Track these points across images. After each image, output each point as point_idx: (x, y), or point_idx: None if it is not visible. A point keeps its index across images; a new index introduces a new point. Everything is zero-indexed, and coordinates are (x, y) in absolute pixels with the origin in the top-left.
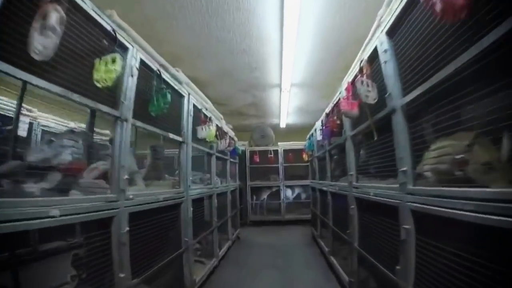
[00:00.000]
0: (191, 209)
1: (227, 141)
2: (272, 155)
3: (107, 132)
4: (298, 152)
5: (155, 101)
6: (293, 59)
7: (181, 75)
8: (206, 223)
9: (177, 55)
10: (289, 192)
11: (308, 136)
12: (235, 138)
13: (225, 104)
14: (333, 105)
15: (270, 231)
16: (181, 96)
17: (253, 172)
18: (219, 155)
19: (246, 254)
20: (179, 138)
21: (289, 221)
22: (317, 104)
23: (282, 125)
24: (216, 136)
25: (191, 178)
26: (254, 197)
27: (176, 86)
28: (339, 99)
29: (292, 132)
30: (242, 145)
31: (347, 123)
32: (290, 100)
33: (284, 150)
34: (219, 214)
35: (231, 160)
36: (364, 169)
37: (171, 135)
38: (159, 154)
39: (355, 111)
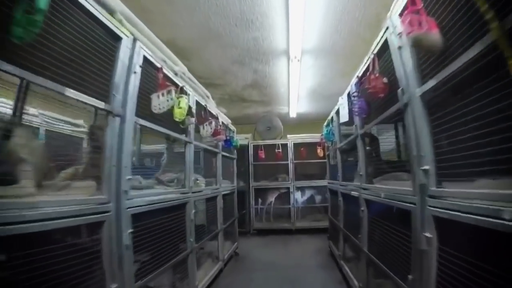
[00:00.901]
0: (128, 232)
1: (213, 126)
2: (281, 150)
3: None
4: (311, 147)
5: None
6: (304, 9)
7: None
8: (174, 247)
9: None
10: (300, 195)
11: (326, 123)
12: (232, 127)
13: (219, 84)
14: (372, 56)
15: (277, 243)
16: (115, 37)
17: (257, 171)
18: (205, 146)
19: (242, 283)
20: (103, 105)
21: (301, 230)
22: (335, 85)
23: (292, 114)
24: (189, 113)
25: (130, 178)
26: (260, 201)
27: (104, 17)
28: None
29: (304, 123)
30: (244, 139)
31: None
32: (301, 77)
33: (294, 144)
34: (200, 229)
35: (225, 154)
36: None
37: (75, 94)
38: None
39: (435, 33)
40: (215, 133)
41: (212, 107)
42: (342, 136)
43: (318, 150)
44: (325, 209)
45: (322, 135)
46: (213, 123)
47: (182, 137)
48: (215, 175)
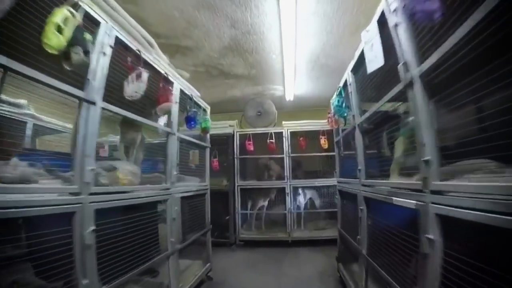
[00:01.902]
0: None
1: (144, 79)
2: (274, 141)
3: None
4: (313, 137)
5: None
6: None
7: None
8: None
9: None
10: (299, 197)
11: (337, 91)
12: (203, 104)
13: (188, 48)
14: None
15: (269, 261)
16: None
17: (244, 167)
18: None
19: None
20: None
21: (299, 242)
22: (345, 49)
23: (289, 96)
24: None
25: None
26: (250, 203)
27: None
28: None
29: (304, 108)
30: (228, 126)
31: None
32: (298, 34)
33: (291, 133)
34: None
35: (189, 139)
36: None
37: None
38: None
39: None
40: (161, 99)
41: (160, 62)
42: (361, 110)
43: (322, 141)
44: (330, 215)
45: (330, 111)
46: (144, 74)
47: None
48: (167, 168)
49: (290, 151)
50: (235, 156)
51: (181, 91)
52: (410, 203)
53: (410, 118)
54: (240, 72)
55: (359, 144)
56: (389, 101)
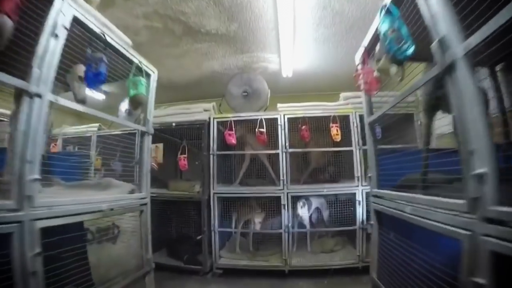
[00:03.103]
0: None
1: None
2: (264, 131)
3: None
4: (320, 125)
5: None
6: None
7: None
8: None
9: None
10: (303, 209)
11: (381, 11)
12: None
13: None
14: None
15: None
16: None
17: (224, 167)
18: None
19: None
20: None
21: (300, 273)
22: None
23: (286, 71)
24: None
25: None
26: (235, 219)
27: None
28: None
29: (308, 89)
30: (203, 111)
31: None
32: None
33: (290, 120)
34: None
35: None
36: None
37: None
38: None
39: None
40: None
41: None
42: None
43: (333, 130)
44: (344, 235)
45: (362, 66)
46: None
47: None
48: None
49: (287, 144)
50: (211, 151)
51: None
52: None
53: None
54: (215, 28)
55: (473, 104)
56: None
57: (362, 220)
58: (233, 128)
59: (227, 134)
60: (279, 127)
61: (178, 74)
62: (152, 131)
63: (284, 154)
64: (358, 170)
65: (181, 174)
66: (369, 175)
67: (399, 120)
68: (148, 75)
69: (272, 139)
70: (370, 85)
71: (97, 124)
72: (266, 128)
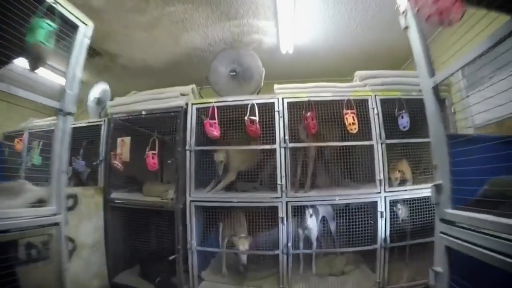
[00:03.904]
0: None
1: None
2: (257, 119)
3: None
4: (331, 111)
5: None
6: None
7: None
8: None
9: None
10: (310, 220)
11: None
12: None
13: None
14: None
15: None
16: None
17: (205, 167)
18: None
19: None
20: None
21: None
22: None
23: (285, 47)
24: None
25: None
26: (220, 233)
27: None
28: None
29: (313, 68)
30: (179, 96)
31: None
32: None
33: (289, 104)
34: None
35: None
36: None
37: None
38: None
39: None
40: None
41: None
42: None
43: (349, 119)
44: (359, 256)
45: None
46: None
47: None
48: None
49: (287, 138)
50: (187, 146)
51: None
52: None
53: None
54: None
55: None
56: None
57: (385, 238)
58: (217, 117)
59: (208, 124)
60: (277, 114)
61: (152, 54)
62: (72, 109)
63: (283, 150)
64: (380, 171)
65: (162, 175)
66: (437, 182)
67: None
68: (73, 26)
69: (267, 131)
70: (446, 8)
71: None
72: (259, 117)
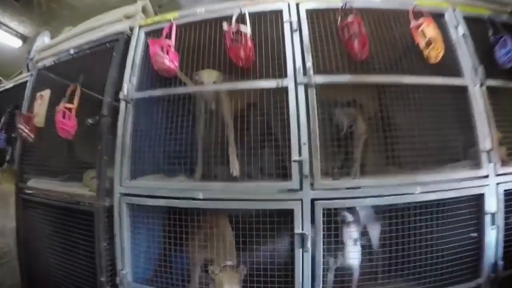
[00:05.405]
0: None
1: None
2: (249, 34)
3: None
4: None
5: None
6: None
7: None
8: None
9: None
10: (351, 232)
11: None
12: None
13: None
14: None
15: None
16: None
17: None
18: None
19: None
20: None
21: None
22: None
23: None
24: None
25: None
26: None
27: None
28: None
29: None
30: (124, 20)
31: None
32: None
33: (309, 13)
34: None
35: None
36: None
37: None
38: None
39: None
40: None
41: None
42: None
43: (429, 31)
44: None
45: None
46: None
47: None
48: None
49: (313, 66)
50: (122, 95)
51: None
52: None
53: None
54: None
55: None
56: None
57: (495, 262)
58: (174, 39)
59: (155, 46)
60: (287, 27)
61: None
62: None
63: (302, 90)
64: (483, 135)
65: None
66: None
67: None
68: None
69: (267, 58)
70: None
71: None
72: (254, 34)
